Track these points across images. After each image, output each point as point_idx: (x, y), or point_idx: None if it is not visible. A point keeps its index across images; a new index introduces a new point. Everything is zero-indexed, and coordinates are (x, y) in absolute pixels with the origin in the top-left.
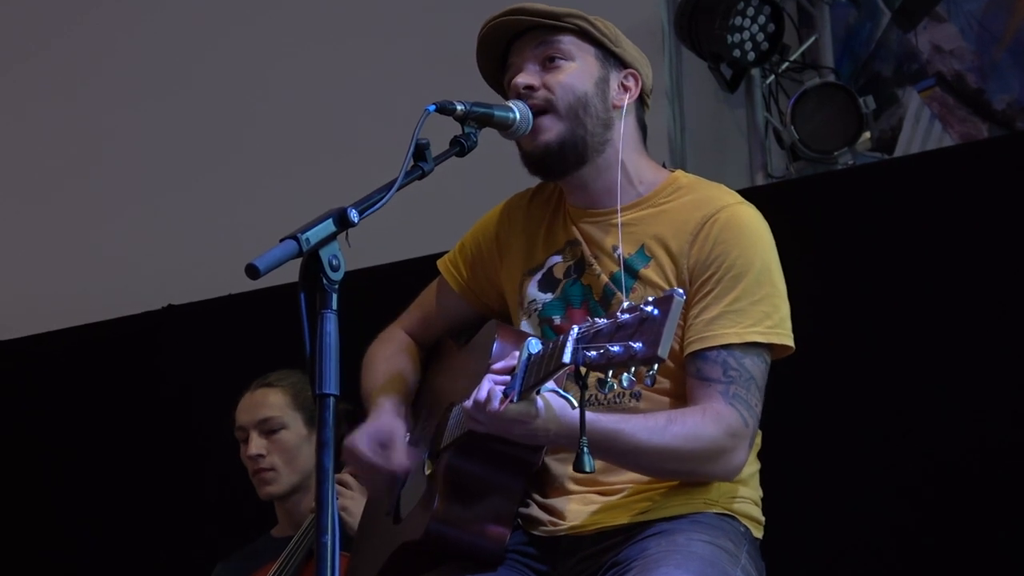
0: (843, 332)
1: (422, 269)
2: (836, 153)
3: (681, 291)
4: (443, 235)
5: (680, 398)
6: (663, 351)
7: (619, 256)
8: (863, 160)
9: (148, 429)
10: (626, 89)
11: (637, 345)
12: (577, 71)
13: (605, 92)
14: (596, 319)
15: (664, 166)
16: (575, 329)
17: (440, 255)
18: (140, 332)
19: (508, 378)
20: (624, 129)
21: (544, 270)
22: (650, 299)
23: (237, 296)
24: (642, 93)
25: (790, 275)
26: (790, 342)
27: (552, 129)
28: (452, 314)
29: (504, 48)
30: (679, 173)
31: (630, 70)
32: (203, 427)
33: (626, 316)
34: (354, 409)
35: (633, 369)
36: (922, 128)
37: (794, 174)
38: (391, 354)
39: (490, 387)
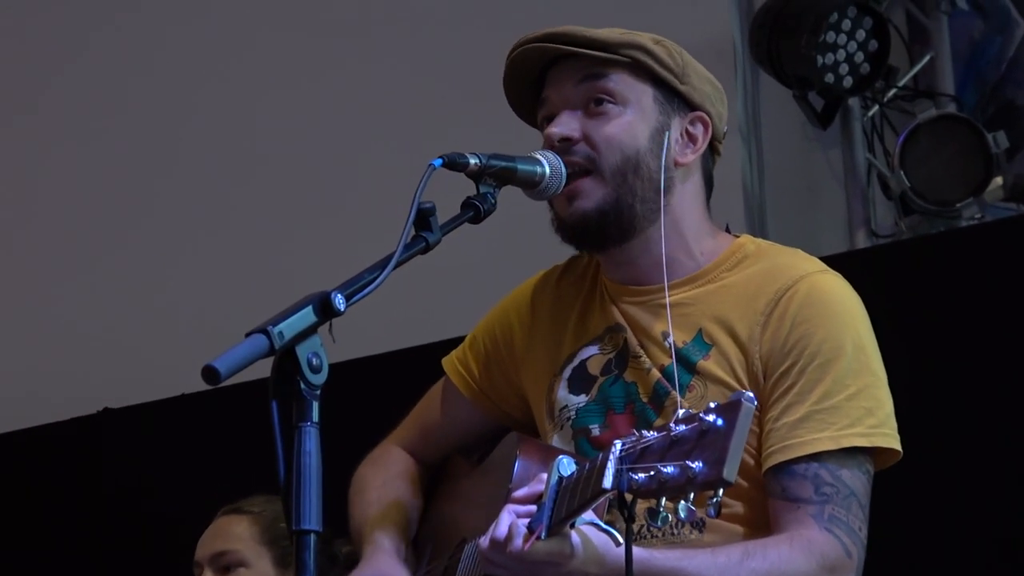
0: (968, 434)
1: (425, 364)
2: (959, 205)
3: (751, 395)
4: (451, 322)
5: (758, 526)
6: (729, 472)
7: (670, 345)
8: (994, 214)
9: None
10: (692, 139)
11: (696, 465)
12: (629, 122)
13: (663, 146)
14: (644, 432)
15: (728, 230)
16: (617, 445)
17: (447, 346)
18: (77, 437)
19: (534, 508)
20: (685, 192)
21: (575, 365)
22: (712, 405)
23: (190, 396)
24: (713, 139)
25: (901, 363)
26: (897, 445)
27: (592, 195)
28: (462, 426)
29: (539, 73)
30: (745, 239)
31: (698, 113)
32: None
33: (681, 428)
34: (353, 550)
35: (692, 495)
36: None
37: (905, 232)
38: (386, 479)
39: (511, 520)
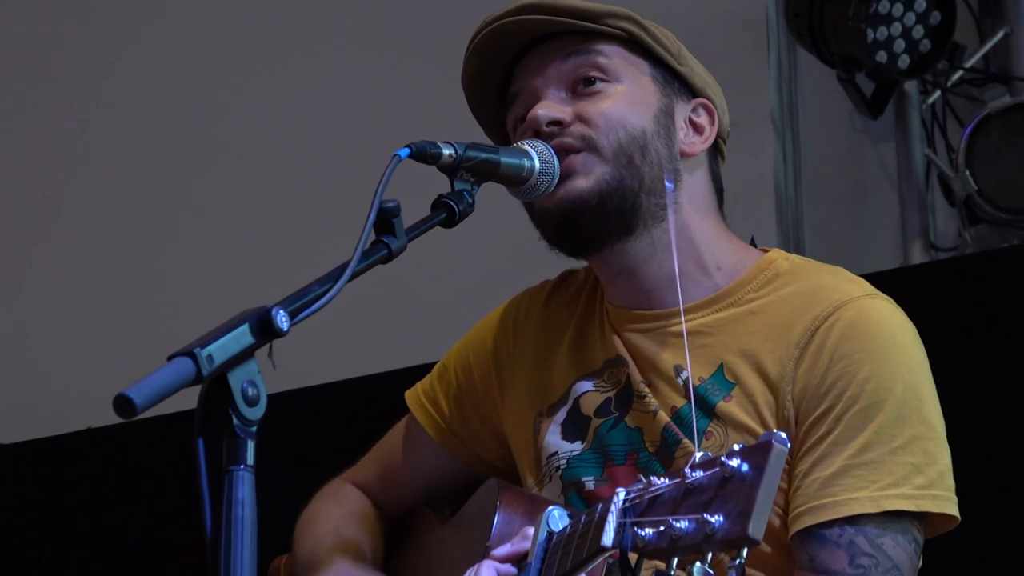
0: None
1: (385, 396)
2: None
3: (784, 435)
4: (418, 346)
5: None
6: (756, 529)
7: (686, 382)
8: None
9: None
10: (698, 129)
11: (716, 519)
12: (629, 97)
13: (670, 132)
14: (653, 479)
15: (753, 243)
16: (620, 494)
17: (412, 375)
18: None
19: (515, 570)
20: (694, 189)
21: (569, 405)
22: (736, 447)
23: (98, 431)
24: (718, 136)
25: (962, 403)
26: (953, 510)
27: (591, 172)
28: (428, 472)
29: (506, 68)
30: (776, 253)
31: (701, 100)
32: None
33: (699, 475)
34: None
35: (710, 556)
36: None
37: (971, 245)
38: (343, 516)
39: None
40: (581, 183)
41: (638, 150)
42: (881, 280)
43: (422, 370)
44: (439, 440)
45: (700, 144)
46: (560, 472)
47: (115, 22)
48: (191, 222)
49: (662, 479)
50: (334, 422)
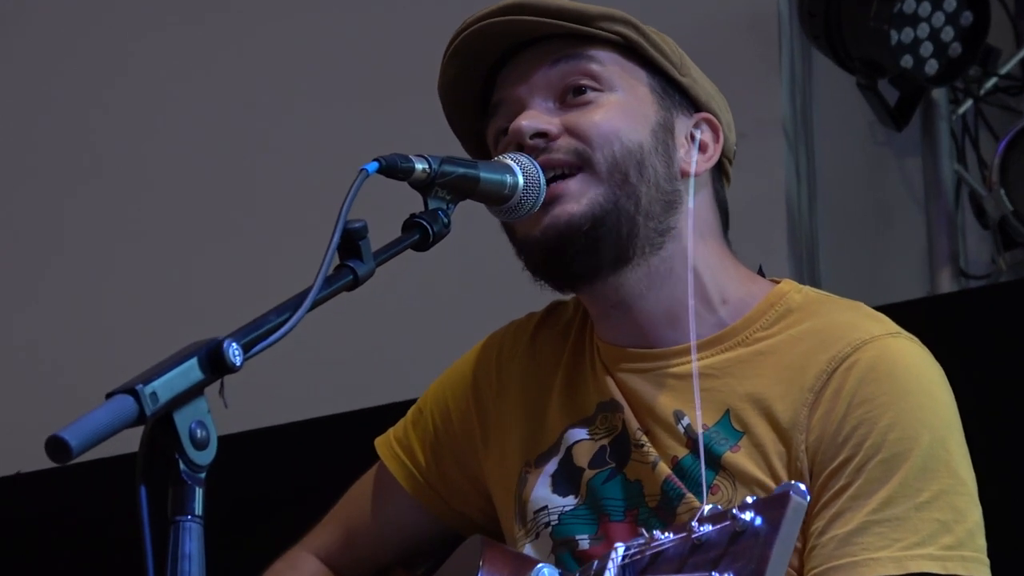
0: None
1: (353, 439)
2: None
3: (804, 488)
4: (391, 384)
5: None
6: None
7: (687, 430)
8: None
9: None
10: (700, 147)
11: None
12: (624, 108)
13: (669, 148)
14: (656, 533)
15: (762, 272)
16: (620, 550)
17: (384, 416)
18: None
19: None
20: (698, 214)
21: (560, 456)
22: (749, 500)
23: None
24: (723, 155)
25: (995, 447)
26: (983, 572)
27: (583, 194)
28: (400, 529)
29: (490, 74)
30: (788, 286)
31: (704, 115)
32: None
33: (707, 529)
34: None
35: None
36: None
37: (1005, 272)
38: None
39: None
40: (571, 207)
41: (635, 167)
42: (906, 311)
43: (394, 410)
44: (415, 494)
45: (703, 163)
46: (551, 529)
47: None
48: (134, 246)
49: (666, 534)
50: (294, 467)
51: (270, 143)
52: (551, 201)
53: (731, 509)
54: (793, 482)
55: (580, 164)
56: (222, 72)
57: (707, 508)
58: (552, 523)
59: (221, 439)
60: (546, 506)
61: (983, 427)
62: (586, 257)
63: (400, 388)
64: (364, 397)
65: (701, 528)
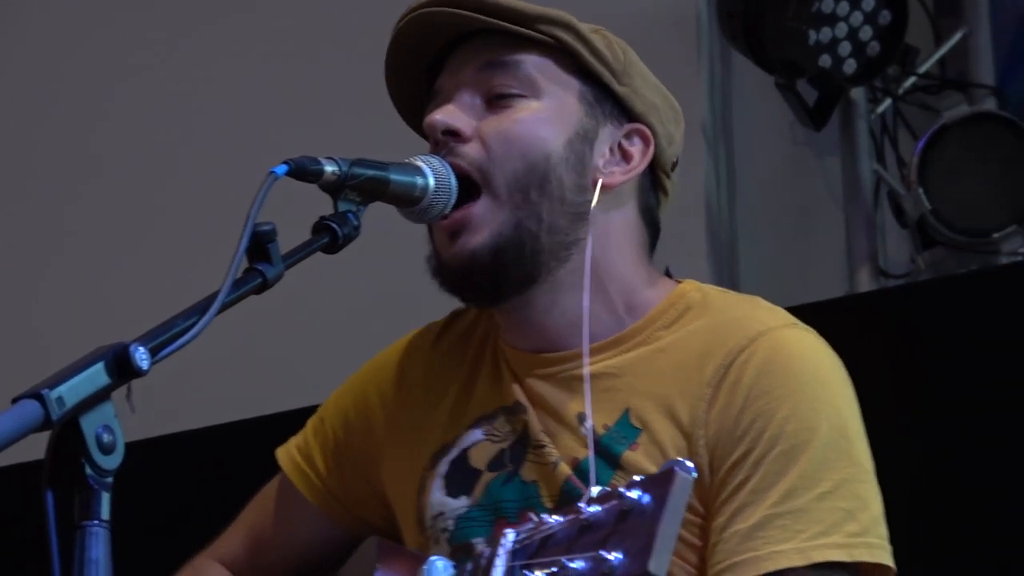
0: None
1: (258, 447)
2: (997, 235)
3: (690, 464)
4: (295, 390)
5: None
6: (657, 566)
7: (589, 432)
8: None
9: None
10: (626, 156)
11: (614, 557)
12: (539, 119)
13: (585, 159)
14: (544, 516)
15: (668, 274)
16: (510, 535)
17: (288, 422)
18: None
19: None
20: (611, 226)
21: (454, 456)
22: (637, 479)
23: None
24: (655, 166)
25: (914, 446)
26: (889, 559)
27: (483, 225)
28: (304, 538)
29: (434, 59)
30: (688, 285)
31: (637, 126)
32: None
33: (595, 510)
34: None
35: None
36: None
37: (924, 271)
38: None
39: None
40: (474, 240)
41: (536, 183)
42: (825, 310)
43: (302, 415)
44: (317, 503)
45: (620, 175)
46: (448, 534)
47: None
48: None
49: (554, 517)
50: (201, 473)
51: (179, 145)
52: (456, 230)
53: (618, 488)
54: (679, 459)
55: (479, 181)
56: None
57: (596, 490)
58: (448, 528)
59: (129, 444)
60: (442, 512)
61: (902, 423)
62: (492, 283)
63: (307, 394)
64: (272, 403)
65: (589, 509)
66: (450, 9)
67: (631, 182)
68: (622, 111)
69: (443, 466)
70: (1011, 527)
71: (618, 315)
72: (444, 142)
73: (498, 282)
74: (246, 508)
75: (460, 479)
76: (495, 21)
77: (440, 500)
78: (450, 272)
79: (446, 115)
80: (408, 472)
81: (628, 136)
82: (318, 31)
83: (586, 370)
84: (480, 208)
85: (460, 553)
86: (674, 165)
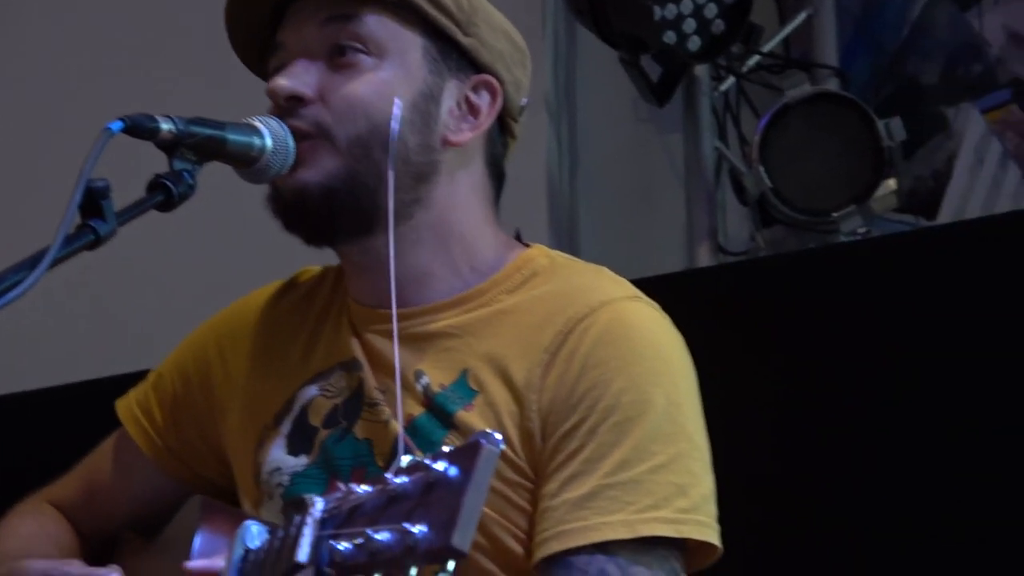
0: (846, 507)
1: (95, 405)
2: (837, 215)
3: (499, 437)
4: (134, 348)
5: None
6: (461, 539)
7: (426, 389)
8: (884, 228)
9: None
10: (474, 111)
11: (418, 529)
12: (384, 81)
13: (431, 118)
14: (352, 486)
15: (519, 238)
16: (319, 504)
17: (127, 381)
18: None
19: None
20: (458, 184)
21: (295, 414)
22: (445, 450)
23: None
24: (505, 115)
25: (750, 419)
26: (716, 538)
27: (319, 164)
28: (139, 489)
29: (275, 7)
30: (537, 250)
31: (485, 77)
32: None
33: (403, 481)
34: None
35: (415, 571)
36: (988, 174)
37: (764, 248)
38: (30, 536)
39: None
40: (307, 175)
41: (379, 144)
42: (663, 284)
43: (138, 378)
44: (152, 455)
45: (469, 132)
46: (282, 490)
47: None
48: None
49: (363, 487)
50: (33, 436)
51: (9, 101)
52: (297, 163)
53: (424, 460)
54: (488, 431)
55: (321, 136)
56: None
57: (405, 460)
58: (284, 484)
59: None
60: (280, 467)
61: (738, 395)
62: (323, 222)
63: (146, 356)
64: (111, 365)
65: (396, 480)
66: None
67: (479, 135)
68: (468, 63)
69: (286, 425)
70: (850, 505)
71: (461, 275)
72: (287, 108)
73: (329, 223)
74: (86, 457)
75: (300, 437)
76: None
77: (279, 457)
78: (283, 202)
79: (289, 80)
80: (248, 428)
81: (475, 89)
82: None
83: (395, 329)
84: (318, 148)
85: (292, 509)
86: (522, 109)
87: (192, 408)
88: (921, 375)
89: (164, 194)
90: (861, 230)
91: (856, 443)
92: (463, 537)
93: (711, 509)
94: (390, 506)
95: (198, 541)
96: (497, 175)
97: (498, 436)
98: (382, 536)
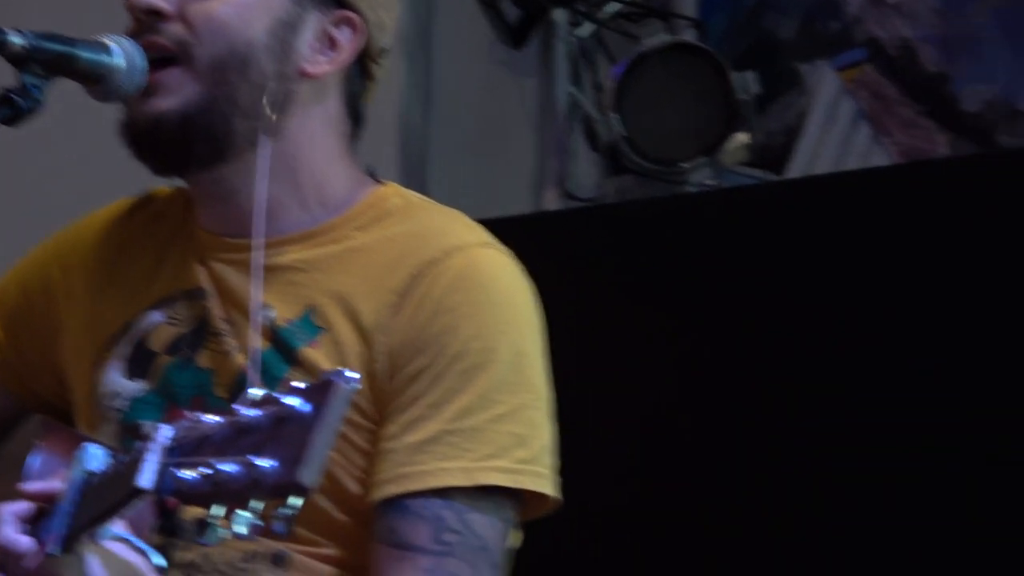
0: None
1: None
2: (688, 165)
3: (356, 376)
4: None
5: (359, 572)
6: (308, 475)
7: (271, 323)
8: (733, 181)
9: None
10: (333, 45)
11: (266, 463)
12: (243, 2)
13: (288, 46)
14: (201, 416)
15: (373, 175)
16: (164, 431)
17: None
18: None
19: (29, 507)
20: (311, 116)
21: (135, 339)
22: (299, 386)
23: None
24: (365, 55)
25: (592, 366)
26: (551, 490)
27: (177, 90)
28: None
29: None
30: (391, 189)
31: (346, 12)
32: None
33: (254, 413)
34: None
35: (260, 505)
36: (839, 132)
37: (612, 196)
38: None
39: (11, 529)
40: (163, 103)
41: (237, 67)
42: (511, 226)
43: None
44: None
45: (326, 64)
46: (120, 415)
47: None
48: None
49: (212, 416)
50: None
51: None
52: (150, 91)
53: (276, 393)
54: (342, 369)
55: (180, 56)
56: None
57: (258, 393)
58: (122, 409)
59: None
60: (118, 391)
61: (581, 341)
62: (177, 151)
63: None
64: None
65: (247, 412)
66: None
67: (337, 71)
68: None
69: (124, 347)
70: (695, 448)
71: (310, 209)
72: (146, 24)
73: (183, 151)
74: None
75: (139, 362)
76: None
77: (116, 381)
78: (137, 132)
79: None
80: (87, 348)
81: (337, 24)
82: None
83: (259, 258)
84: (175, 75)
85: (129, 434)
86: (383, 51)
87: (32, 324)
88: (760, 329)
89: (11, 108)
90: (710, 182)
91: (693, 387)
92: (310, 474)
93: (548, 460)
94: (239, 438)
95: (35, 462)
96: (354, 115)
97: (354, 375)
98: (228, 467)
